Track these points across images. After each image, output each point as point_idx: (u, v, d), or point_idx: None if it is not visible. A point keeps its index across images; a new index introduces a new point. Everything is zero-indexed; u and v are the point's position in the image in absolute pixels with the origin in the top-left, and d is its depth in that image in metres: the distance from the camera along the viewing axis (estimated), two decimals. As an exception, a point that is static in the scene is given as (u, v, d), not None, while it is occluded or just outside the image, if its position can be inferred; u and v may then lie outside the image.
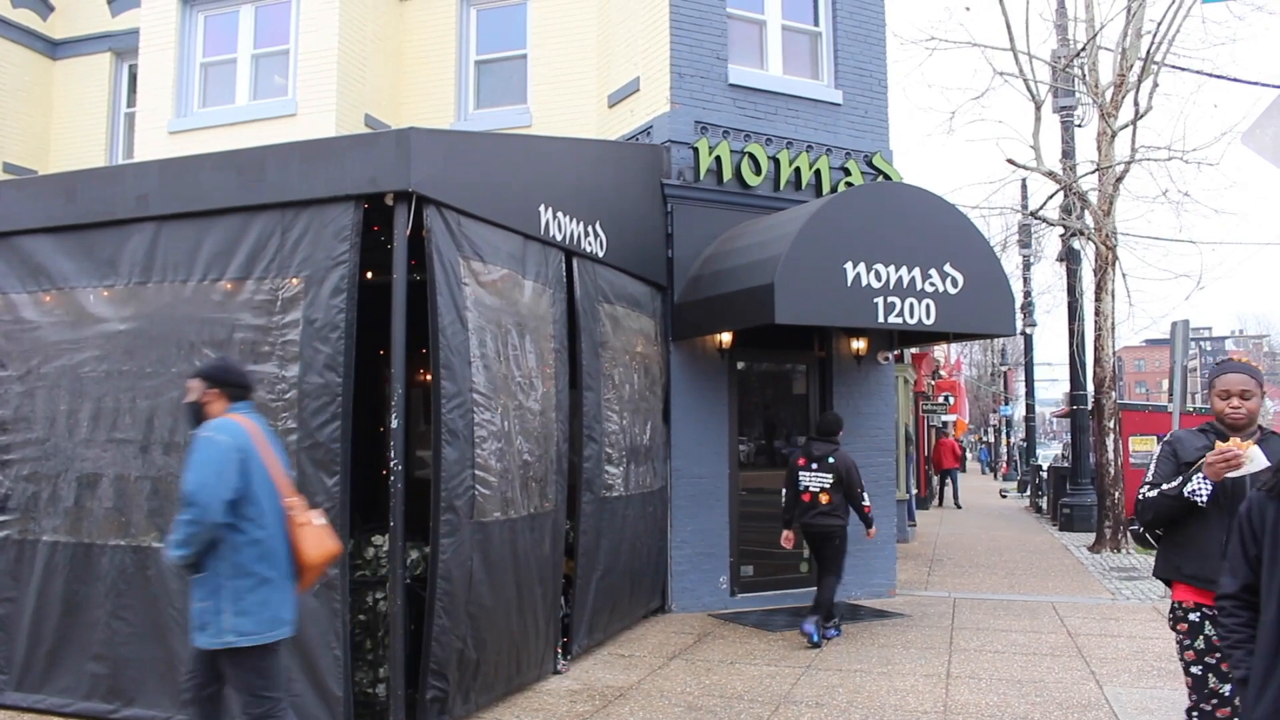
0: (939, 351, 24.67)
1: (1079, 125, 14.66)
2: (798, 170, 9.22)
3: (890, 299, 7.76)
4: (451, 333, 5.32)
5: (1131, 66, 12.88)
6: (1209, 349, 78.03)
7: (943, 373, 26.87)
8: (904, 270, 7.82)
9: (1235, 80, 11.03)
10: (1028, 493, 23.78)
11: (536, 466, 6.19)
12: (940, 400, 24.90)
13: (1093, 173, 13.58)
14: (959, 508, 22.37)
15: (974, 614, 8.62)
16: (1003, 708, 5.70)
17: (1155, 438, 14.89)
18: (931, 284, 7.95)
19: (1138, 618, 8.47)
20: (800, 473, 7.64)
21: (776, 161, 9.17)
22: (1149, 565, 10.93)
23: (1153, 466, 3.62)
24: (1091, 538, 13.67)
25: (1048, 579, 10.78)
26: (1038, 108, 13.77)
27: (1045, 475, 20.53)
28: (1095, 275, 13.44)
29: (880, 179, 9.52)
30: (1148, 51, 12.63)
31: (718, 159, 8.83)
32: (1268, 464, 3.17)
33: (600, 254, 7.36)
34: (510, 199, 6.15)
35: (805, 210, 7.97)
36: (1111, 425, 13.36)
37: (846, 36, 9.77)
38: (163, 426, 5.38)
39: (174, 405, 5.36)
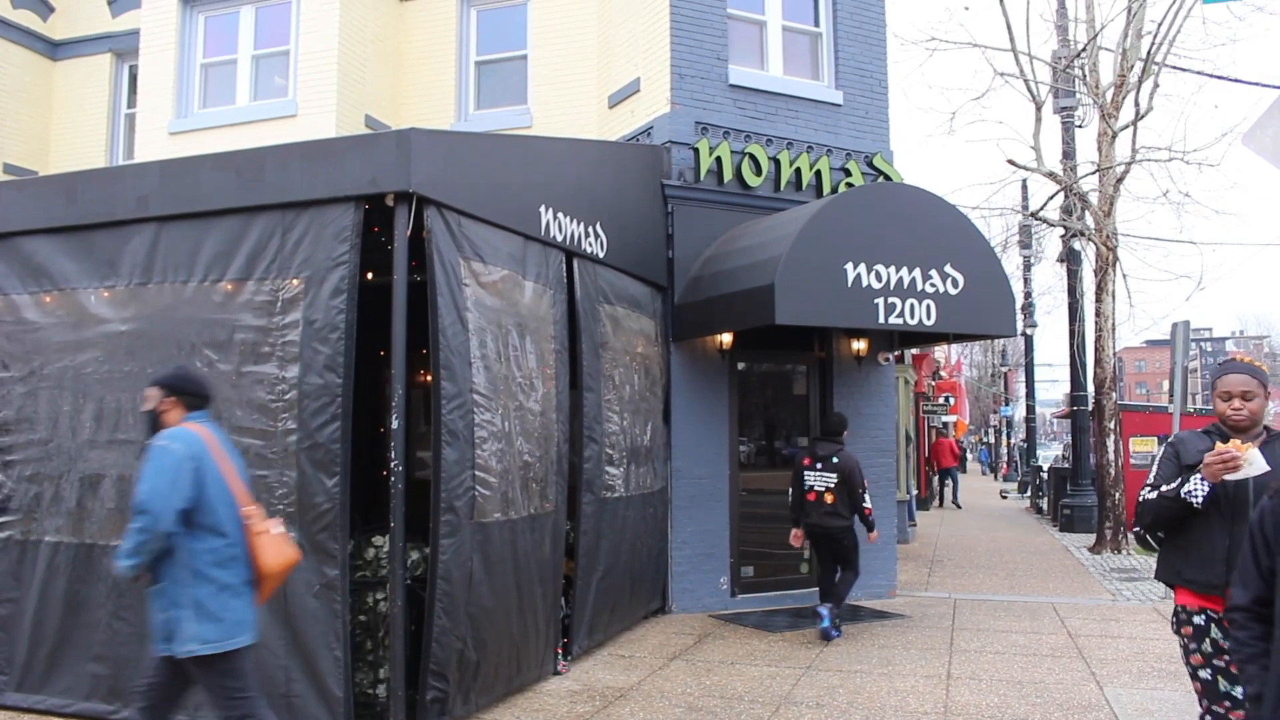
0: (939, 352, 24.66)
1: (1079, 126, 14.66)
2: (798, 171, 9.22)
3: (891, 300, 7.76)
4: (452, 333, 5.32)
5: (1132, 67, 12.88)
6: (1209, 350, 78.03)
7: (943, 373, 26.85)
8: (904, 271, 7.82)
9: (1236, 81, 11.04)
10: (1028, 493, 23.77)
11: (537, 467, 6.19)
12: (941, 401, 24.91)
13: (1093, 173, 13.58)
14: (958, 507, 22.36)
15: (974, 615, 8.62)
16: (1003, 709, 5.70)
17: (1156, 439, 14.90)
18: (932, 285, 7.95)
19: (1138, 619, 8.46)
20: (805, 472, 7.68)
21: (777, 162, 9.17)
22: (1150, 566, 10.94)
23: (1154, 468, 3.57)
24: (1092, 539, 13.67)
25: (1048, 580, 10.78)
26: (1038, 108, 13.77)
27: (1045, 476, 20.52)
28: (1096, 276, 13.45)
29: (881, 179, 9.52)
30: (1148, 52, 12.63)
31: (718, 160, 8.83)
32: (1267, 467, 3.13)
33: (601, 255, 7.37)
34: (511, 200, 6.15)
35: (806, 211, 7.97)
36: (1112, 426, 13.36)
37: (847, 37, 9.77)
38: (163, 427, 5.38)
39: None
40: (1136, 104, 12.94)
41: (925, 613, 8.70)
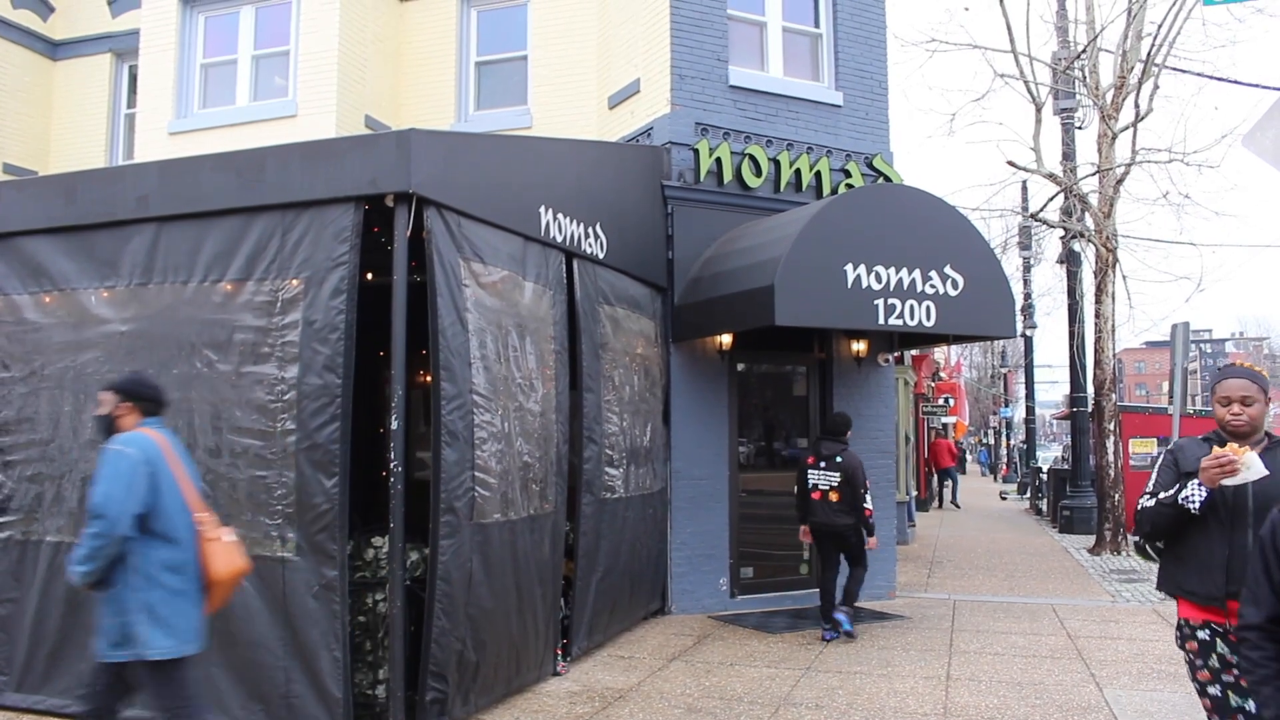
0: (939, 353, 24.66)
1: (1079, 127, 14.66)
2: (798, 172, 9.22)
3: (890, 301, 7.77)
4: (451, 334, 5.32)
5: (1132, 68, 12.89)
6: (1209, 351, 78.09)
7: (943, 375, 26.85)
8: (904, 272, 7.82)
9: (1235, 83, 11.04)
10: (1027, 495, 23.77)
11: (536, 468, 6.19)
12: (940, 402, 24.89)
13: (1093, 175, 13.59)
14: (957, 507, 22.35)
15: (974, 616, 8.62)
16: (1003, 710, 5.70)
17: (1155, 440, 14.90)
18: (932, 286, 7.95)
19: (1138, 620, 8.46)
20: (809, 471, 7.73)
21: (777, 163, 9.17)
22: (1149, 569, 10.93)
23: (1153, 476, 3.46)
24: (1091, 540, 13.67)
25: (1048, 581, 10.78)
26: (1038, 110, 13.78)
27: (1045, 477, 20.52)
28: (1095, 277, 13.45)
29: (881, 181, 9.53)
30: (1148, 54, 12.64)
31: (718, 160, 8.83)
32: (1265, 472, 3.05)
33: (600, 255, 7.37)
34: (511, 200, 6.15)
35: (805, 212, 7.97)
36: (1111, 427, 13.36)
37: (847, 38, 9.77)
38: (163, 427, 5.38)
39: (176, 407, 5.35)
40: (1136, 105, 12.94)
41: (925, 614, 8.70)
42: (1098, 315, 13.46)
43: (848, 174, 9.51)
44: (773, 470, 9.60)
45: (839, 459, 7.64)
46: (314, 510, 5.02)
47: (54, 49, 12.47)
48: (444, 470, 5.20)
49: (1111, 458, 13.29)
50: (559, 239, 6.69)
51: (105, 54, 12.30)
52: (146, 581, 3.77)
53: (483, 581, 5.48)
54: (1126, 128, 13.11)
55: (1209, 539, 3.23)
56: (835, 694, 6.05)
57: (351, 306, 5.09)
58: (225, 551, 3.98)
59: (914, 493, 17.44)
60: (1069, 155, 14.55)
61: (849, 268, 7.63)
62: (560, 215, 6.70)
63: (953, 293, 8.04)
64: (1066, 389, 18.27)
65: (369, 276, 5.70)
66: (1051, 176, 13.86)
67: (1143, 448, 15.21)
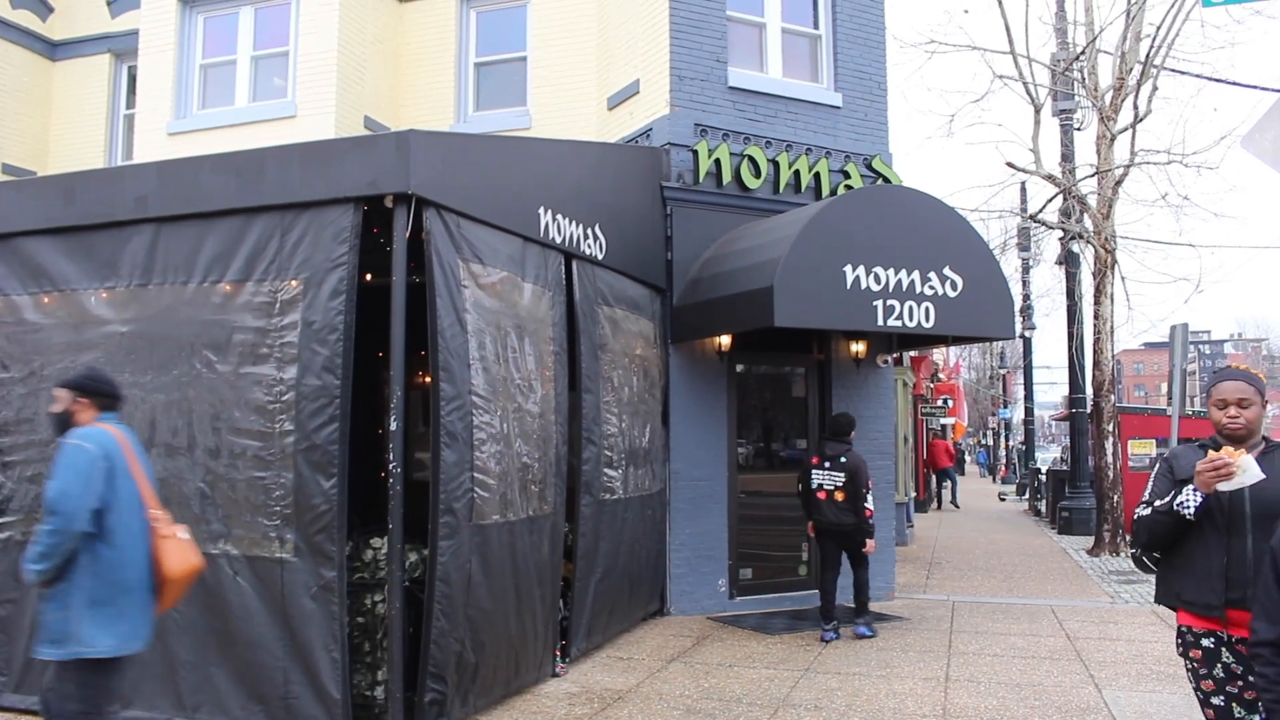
0: (938, 354, 24.66)
1: (1078, 129, 14.68)
2: (797, 173, 9.23)
3: (889, 302, 7.77)
4: (450, 335, 5.31)
5: (1131, 70, 12.90)
6: (1208, 352, 78.13)
7: (941, 376, 26.84)
8: (903, 273, 7.82)
9: (1234, 84, 11.06)
10: (1026, 496, 23.78)
11: (535, 469, 6.19)
12: (939, 403, 24.90)
13: (1092, 176, 13.60)
14: (957, 507, 22.36)
15: (973, 617, 8.62)
16: (1001, 711, 5.70)
17: (1154, 441, 14.91)
18: (931, 287, 7.95)
19: (1137, 621, 8.46)
20: (813, 471, 7.80)
21: (776, 164, 9.17)
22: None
23: (1149, 485, 3.36)
24: (1090, 541, 13.67)
25: (1046, 582, 10.78)
26: (1037, 111, 13.79)
27: (1044, 478, 20.52)
28: (1094, 278, 13.46)
29: (880, 182, 9.53)
30: (1147, 55, 12.65)
31: (717, 162, 8.83)
32: (1262, 475, 2.97)
33: (600, 256, 7.37)
34: (510, 201, 6.15)
35: (805, 213, 7.97)
36: (1110, 429, 13.36)
37: (846, 39, 9.78)
38: (165, 429, 5.38)
39: (175, 407, 5.37)
40: (1135, 107, 12.96)
41: (923, 615, 8.70)
42: (1096, 316, 13.47)
43: (847, 175, 9.52)
44: (772, 471, 9.60)
45: (843, 459, 7.70)
46: (312, 511, 5.01)
47: (53, 49, 12.46)
48: (443, 471, 5.20)
49: (1110, 459, 13.29)
50: (558, 240, 6.69)
51: (104, 54, 12.31)
52: (91, 579, 3.70)
53: (482, 583, 5.48)
54: (1125, 129, 13.12)
55: (1206, 546, 3.14)
56: (834, 695, 6.05)
57: (350, 307, 5.09)
58: (179, 549, 3.92)
59: (912, 494, 17.44)
60: (1068, 156, 14.57)
61: (848, 269, 7.63)
62: (559, 216, 6.70)
63: (952, 294, 8.04)
64: (1065, 390, 18.28)
65: (368, 277, 5.70)
66: (1050, 178, 13.87)
67: (1142, 449, 15.22)
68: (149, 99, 10.85)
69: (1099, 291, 13.28)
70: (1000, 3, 13.45)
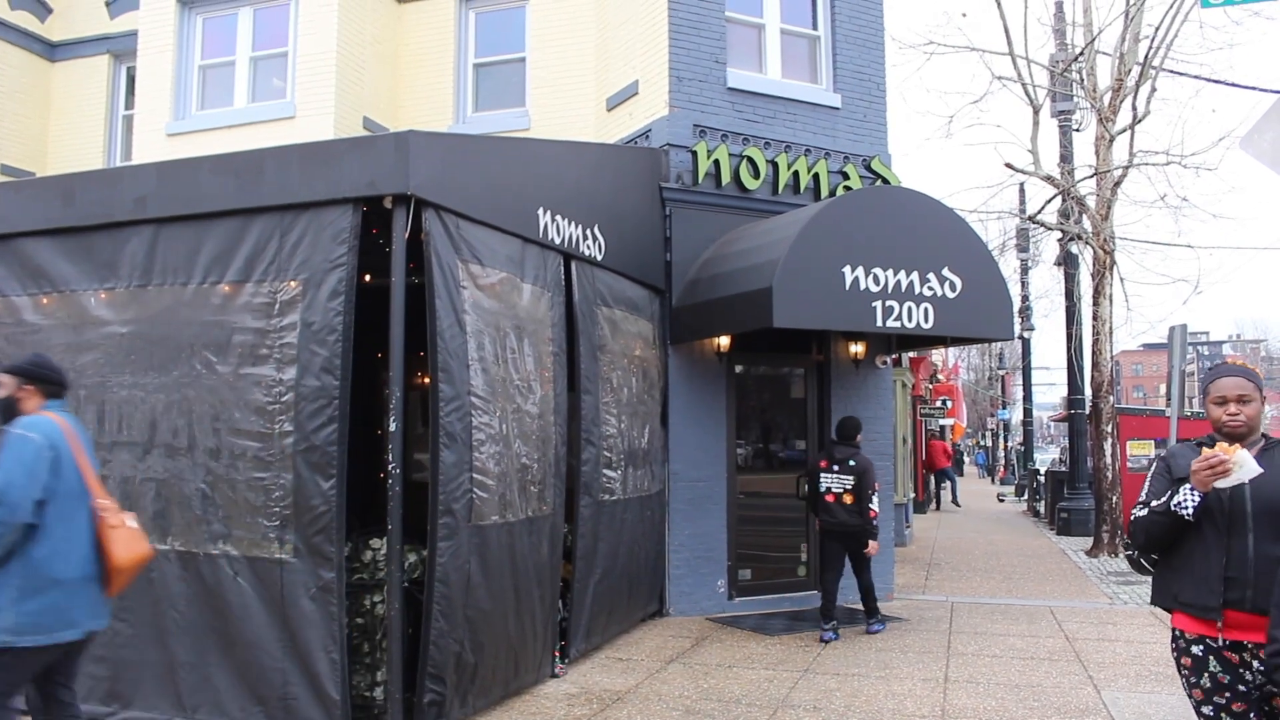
0: (937, 355, 24.67)
1: (1077, 130, 14.70)
2: (796, 174, 9.23)
3: (889, 303, 7.77)
4: (450, 336, 5.32)
5: (1129, 71, 12.91)
6: (1206, 353, 78.14)
7: (940, 376, 26.85)
8: (902, 274, 7.83)
9: (1233, 85, 11.08)
10: (1025, 497, 23.79)
11: (535, 470, 6.19)
12: (938, 404, 24.91)
13: (1091, 177, 13.61)
14: (957, 506, 22.36)
15: (971, 618, 8.62)
16: (1000, 712, 5.70)
17: (1153, 442, 14.92)
18: (930, 288, 7.96)
19: (1135, 622, 8.47)
20: (822, 474, 7.88)
21: (775, 165, 9.17)
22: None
23: (1146, 485, 3.29)
24: (1089, 542, 13.68)
25: (1045, 583, 10.78)
26: (1036, 112, 13.80)
27: (1043, 479, 20.54)
28: (1093, 279, 13.47)
29: (879, 183, 9.54)
30: (1146, 56, 12.67)
31: (716, 162, 8.84)
32: (1260, 470, 2.90)
33: (599, 257, 7.37)
34: (509, 202, 6.16)
35: (804, 214, 7.98)
36: (1109, 429, 13.37)
37: (845, 40, 9.78)
38: (165, 429, 5.38)
39: (176, 408, 5.36)
40: (1134, 108, 12.96)
41: (922, 616, 8.70)
42: (1095, 317, 13.48)
43: (846, 176, 9.52)
44: (771, 472, 9.60)
45: (852, 462, 7.78)
46: (311, 512, 5.01)
47: (52, 50, 12.46)
48: (442, 472, 5.20)
49: (1109, 460, 13.30)
50: (557, 241, 6.69)
51: (103, 55, 12.31)
52: (24, 566, 3.66)
53: (481, 583, 5.48)
54: (1124, 130, 13.13)
55: (1205, 547, 3.06)
56: (833, 696, 6.05)
57: (349, 308, 5.09)
58: (127, 539, 3.90)
59: (911, 495, 17.44)
60: (1066, 157, 14.58)
61: (847, 270, 7.64)
62: (559, 217, 6.71)
63: (951, 295, 8.04)
64: (1064, 391, 18.29)
65: (367, 278, 5.70)
66: (1049, 179, 13.89)
67: (1140, 450, 15.23)
68: (148, 100, 10.85)
69: (1098, 292, 13.29)
70: (999, 4, 13.47)
